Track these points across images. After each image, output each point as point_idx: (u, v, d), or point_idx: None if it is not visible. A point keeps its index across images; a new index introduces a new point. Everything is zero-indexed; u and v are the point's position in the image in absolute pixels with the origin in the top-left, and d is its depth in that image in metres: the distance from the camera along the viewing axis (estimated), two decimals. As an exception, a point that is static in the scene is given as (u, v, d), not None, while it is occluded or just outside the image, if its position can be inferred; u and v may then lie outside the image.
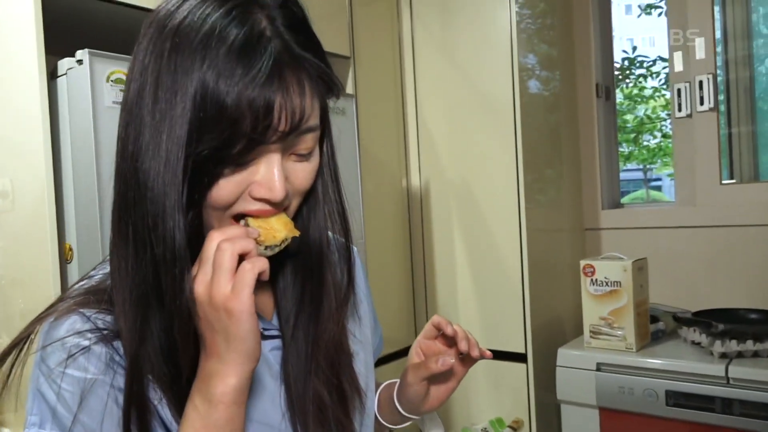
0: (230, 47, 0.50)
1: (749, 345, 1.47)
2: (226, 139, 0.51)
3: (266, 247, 0.56)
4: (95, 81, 1.15)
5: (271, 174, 0.54)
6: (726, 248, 1.85)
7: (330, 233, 0.67)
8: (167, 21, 0.53)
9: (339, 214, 0.66)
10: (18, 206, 1.26)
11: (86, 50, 1.15)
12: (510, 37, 1.76)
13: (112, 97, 1.18)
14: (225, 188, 0.54)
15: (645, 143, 4.47)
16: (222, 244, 0.52)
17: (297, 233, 0.59)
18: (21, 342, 0.58)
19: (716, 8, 1.90)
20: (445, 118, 1.92)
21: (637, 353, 1.59)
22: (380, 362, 1.38)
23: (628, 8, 3.10)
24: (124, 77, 1.20)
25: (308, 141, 0.56)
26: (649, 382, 1.52)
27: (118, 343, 0.56)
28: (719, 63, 1.89)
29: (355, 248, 0.75)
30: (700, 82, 1.87)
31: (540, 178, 1.87)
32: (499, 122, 1.79)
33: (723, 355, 1.48)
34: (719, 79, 1.88)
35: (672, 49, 1.96)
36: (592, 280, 1.65)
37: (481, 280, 1.85)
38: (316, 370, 0.64)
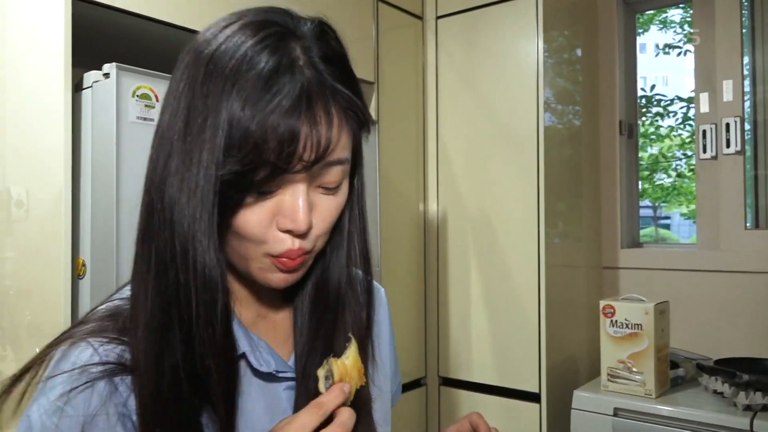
0: (259, 74, 0.50)
1: (775, 398, 1.41)
2: (249, 165, 0.50)
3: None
4: (121, 95, 1.14)
5: (295, 203, 0.53)
6: (750, 295, 1.80)
7: (355, 270, 0.65)
8: (204, 48, 0.54)
9: (362, 255, 0.64)
10: (32, 217, 1.24)
11: (114, 64, 1.14)
12: (537, 70, 1.75)
13: (137, 112, 1.16)
14: (250, 217, 0.53)
15: (659, 182, 4.45)
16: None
17: (364, 381, 0.59)
18: (35, 366, 0.56)
19: (745, 50, 1.88)
20: (466, 148, 1.90)
21: (657, 400, 1.53)
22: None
23: (643, 47, 3.11)
24: (150, 93, 1.19)
25: (336, 174, 0.55)
26: (669, 431, 1.47)
27: (123, 378, 0.54)
28: (747, 105, 1.87)
29: (382, 290, 0.74)
30: (727, 125, 1.84)
31: (560, 213, 1.84)
32: (521, 155, 1.77)
33: (747, 408, 1.43)
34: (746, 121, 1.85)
35: (698, 90, 1.94)
36: (611, 321, 1.60)
37: (496, 314, 1.81)
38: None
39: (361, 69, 1.75)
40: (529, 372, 1.72)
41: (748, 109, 1.91)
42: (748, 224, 1.85)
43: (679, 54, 3.59)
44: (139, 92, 1.17)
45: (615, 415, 1.55)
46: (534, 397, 1.70)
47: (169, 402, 0.52)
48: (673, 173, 4.39)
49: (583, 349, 1.92)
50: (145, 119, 1.17)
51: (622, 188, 2.08)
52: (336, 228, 0.61)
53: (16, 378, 0.56)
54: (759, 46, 1.93)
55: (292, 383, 0.63)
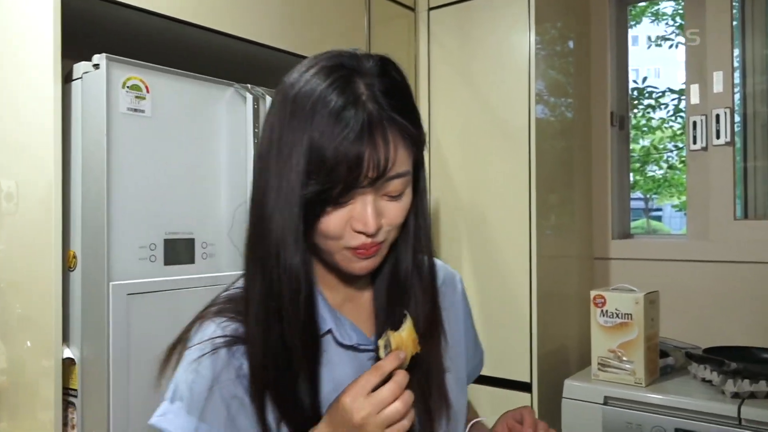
0: (331, 111, 0.63)
1: (762, 386, 1.43)
2: (327, 184, 0.63)
3: (401, 366, 0.66)
4: (111, 86, 1.13)
5: (365, 211, 0.66)
6: (738, 285, 1.82)
7: (427, 261, 0.78)
8: (289, 91, 0.67)
9: (426, 245, 0.76)
10: (22, 209, 1.23)
11: (104, 55, 1.13)
12: (528, 62, 1.75)
13: (127, 103, 1.16)
14: (331, 222, 0.66)
15: (651, 173, 4.47)
16: (395, 403, 0.64)
17: (419, 349, 0.69)
18: (183, 339, 0.73)
19: (736, 42, 1.89)
20: (459, 140, 1.90)
21: (647, 388, 1.55)
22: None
23: (635, 39, 3.11)
24: (140, 84, 1.19)
25: (397, 185, 0.67)
26: (658, 419, 1.48)
27: (238, 348, 0.69)
28: (737, 97, 1.88)
29: (458, 276, 0.92)
30: (717, 116, 1.85)
31: (552, 204, 1.85)
32: (514, 147, 1.78)
33: (735, 395, 1.44)
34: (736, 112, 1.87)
35: (689, 82, 1.95)
36: (602, 311, 1.62)
37: (488, 305, 1.82)
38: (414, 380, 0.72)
39: (353, 60, 1.75)
40: (521, 362, 1.73)
41: (739, 101, 1.92)
42: (737, 215, 1.86)
43: (671, 46, 3.59)
44: (129, 83, 1.17)
45: (605, 403, 1.57)
46: (525, 387, 1.72)
47: (272, 367, 0.67)
48: (665, 165, 4.42)
49: (574, 339, 1.93)
50: (135, 110, 1.17)
51: (614, 180, 2.09)
52: (403, 226, 0.73)
53: (171, 349, 0.73)
54: (749, 38, 1.94)
55: (374, 354, 0.73)
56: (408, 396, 0.65)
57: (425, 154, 0.74)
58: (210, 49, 1.50)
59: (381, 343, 0.68)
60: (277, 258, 0.66)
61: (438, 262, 0.86)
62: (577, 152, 2.03)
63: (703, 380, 1.57)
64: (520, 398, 1.72)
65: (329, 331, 0.73)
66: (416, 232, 0.75)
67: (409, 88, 0.70)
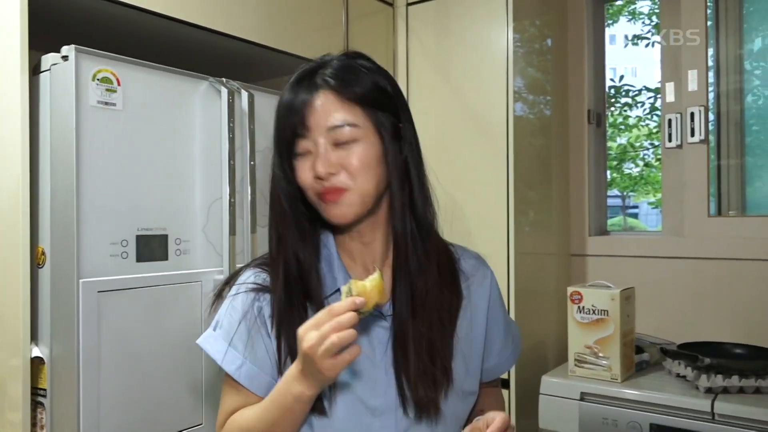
0: (289, 96, 0.85)
1: (735, 381, 1.45)
2: (285, 138, 0.84)
3: (360, 313, 0.74)
4: (80, 79, 1.10)
5: (316, 157, 0.82)
6: (713, 281, 1.85)
7: (453, 249, 0.98)
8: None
9: (422, 212, 0.89)
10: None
11: (72, 46, 1.10)
12: (506, 59, 1.75)
13: (97, 96, 1.13)
14: (299, 173, 0.84)
15: (627, 171, 4.52)
16: (332, 335, 0.72)
17: (385, 300, 0.79)
18: (230, 281, 0.92)
19: (710, 41, 1.91)
20: (436, 135, 1.90)
21: (622, 384, 1.56)
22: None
23: (612, 38, 3.14)
24: (111, 76, 1.16)
25: (339, 134, 0.82)
26: (633, 415, 1.50)
27: (264, 294, 0.88)
28: (711, 97, 1.91)
29: (490, 271, 1.02)
30: (692, 114, 1.87)
31: (530, 201, 1.86)
32: (491, 143, 1.78)
33: (708, 390, 1.46)
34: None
35: (664, 80, 1.97)
36: (579, 307, 1.63)
37: (466, 302, 1.81)
38: (415, 344, 0.85)
39: (331, 55, 1.73)
40: (499, 358, 1.73)
41: (713, 100, 1.94)
42: (711, 212, 1.89)
43: (647, 45, 3.63)
44: (99, 75, 1.14)
45: (582, 399, 1.58)
46: (504, 384, 1.72)
47: (287, 314, 0.84)
48: (641, 163, 4.47)
49: (551, 336, 1.94)
50: (106, 104, 1.14)
51: (591, 177, 2.11)
52: (391, 186, 0.87)
53: (221, 288, 0.93)
54: (723, 38, 1.96)
55: (383, 322, 0.87)
56: (347, 334, 0.72)
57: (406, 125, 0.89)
58: (184, 42, 1.47)
59: (344, 289, 0.77)
60: (279, 238, 0.87)
61: (472, 252, 1.01)
62: (555, 149, 2.04)
63: (678, 375, 1.59)
64: (498, 394, 1.72)
65: (338, 290, 0.85)
66: (402, 194, 0.86)
67: (361, 67, 0.85)
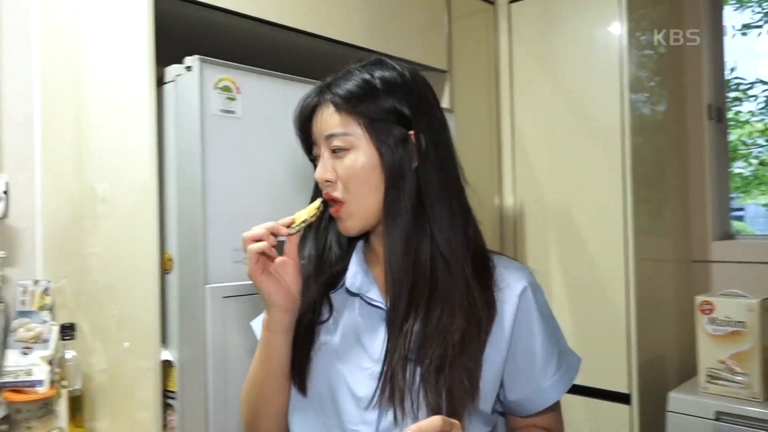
0: (301, 105, 0.90)
1: None
2: (303, 146, 0.91)
3: (288, 227, 0.82)
4: (204, 88, 1.12)
5: (320, 162, 0.85)
6: None
7: (491, 256, 0.87)
8: None
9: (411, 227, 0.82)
10: (115, 212, 1.24)
11: (196, 56, 1.12)
12: (619, 54, 1.65)
13: (219, 104, 1.15)
14: (316, 173, 0.86)
15: (738, 170, 4.19)
16: (246, 242, 0.81)
17: (311, 219, 0.84)
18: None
19: None
20: (544, 137, 1.82)
21: (764, 404, 1.41)
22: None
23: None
24: (231, 85, 1.17)
25: (333, 142, 0.83)
26: (779, 438, 1.35)
27: None
28: None
29: (519, 289, 0.84)
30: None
31: (647, 204, 1.74)
32: (604, 144, 1.68)
33: None
34: None
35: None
36: (710, 318, 1.49)
37: (580, 312, 1.72)
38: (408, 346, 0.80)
39: (434, 57, 1.70)
40: (618, 371, 1.62)
41: None
42: None
43: (759, 34, 3.35)
44: (220, 84, 1.16)
45: (717, 419, 1.44)
46: (624, 398, 1.61)
47: (308, 285, 0.87)
48: (754, 161, 4.13)
49: (672, 348, 1.80)
50: (227, 111, 1.16)
51: (712, 176, 1.95)
52: (387, 195, 0.83)
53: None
54: None
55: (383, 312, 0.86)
56: (258, 229, 0.80)
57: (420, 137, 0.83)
58: (294, 48, 1.49)
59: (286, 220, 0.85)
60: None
61: (515, 263, 0.89)
62: (671, 148, 1.90)
63: (830, 395, 1.42)
64: (618, 410, 1.62)
65: (358, 294, 0.87)
66: (395, 204, 0.82)
67: (369, 75, 0.85)
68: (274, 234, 0.81)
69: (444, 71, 1.73)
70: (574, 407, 1.65)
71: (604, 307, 1.67)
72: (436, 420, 0.67)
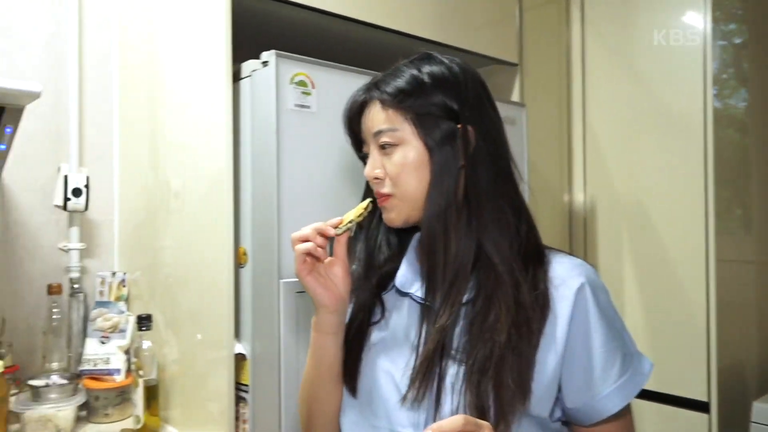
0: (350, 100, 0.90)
1: None
2: (353, 144, 0.92)
3: (336, 228, 0.82)
4: (280, 83, 1.12)
5: (369, 160, 0.85)
6: None
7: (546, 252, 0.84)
8: None
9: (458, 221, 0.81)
10: (188, 207, 1.26)
11: (273, 52, 1.12)
12: (703, 47, 1.56)
13: (294, 99, 1.14)
14: (365, 170, 0.86)
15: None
16: (294, 242, 0.82)
17: (359, 219, 0.84)
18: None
19: None
20: (617, 131, 1.75)
21: None
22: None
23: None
24: (306, 79, 1.17)
25: (380, 139, 0.83)
26: None
27: None
28: None
29: (575, 287, 0.78)
30: None
31: (729, 202, 1.64)
32: (685, 138, 1.60)
33: None
34: None
35: None
36: (801, 325, 1.40)
37: (654, 313, 1.65)
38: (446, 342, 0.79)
39: (504, 50, 1.66)
40: (696, 378, 1.55)
41: None
42: None
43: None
44: (296, 79, 1.16)
45: (807, 432, 1.36)
46: (702, 407, 1.53)
47: (359, 286, 0.89)
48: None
49: (753, 355, 1.71)
50: (302, 106, 1.16)
51: (800, 174, 1.83)
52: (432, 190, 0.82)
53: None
54: None
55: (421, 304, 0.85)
56: (306, 229, 0.80)
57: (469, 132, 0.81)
58: (369, 43, 1.47)
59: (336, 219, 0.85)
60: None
61: (566, 259, 0.83)
62: (756, 143, 1.80)
63: None
64: (696, 419, 1.54)
65: (408, 294, 0.86)
66: (440, 197, 0.80)
67: (417, 71, 0.83)
68: (322, 234, 0.81)
69: (515, 64, 1.69)
70: (648, 414, 1.58)
71: (681, 311, 1.59)
72: (458, 420, 0.63)
